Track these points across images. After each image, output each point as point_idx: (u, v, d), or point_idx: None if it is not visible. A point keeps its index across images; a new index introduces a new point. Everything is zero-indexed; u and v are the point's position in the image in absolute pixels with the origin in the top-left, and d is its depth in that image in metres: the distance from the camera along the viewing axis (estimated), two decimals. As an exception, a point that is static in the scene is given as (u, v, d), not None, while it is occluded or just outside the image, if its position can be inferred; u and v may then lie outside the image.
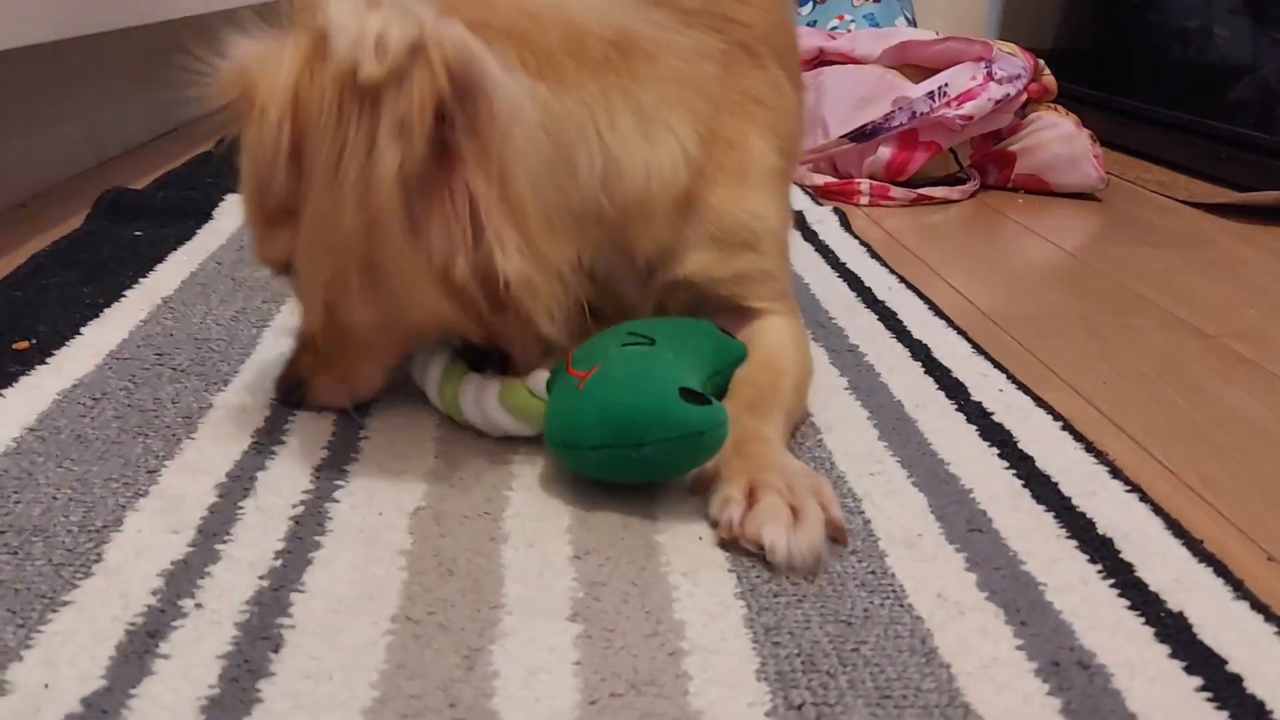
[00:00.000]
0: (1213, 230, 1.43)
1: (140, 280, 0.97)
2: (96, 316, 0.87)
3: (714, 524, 0.60)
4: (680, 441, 0.60)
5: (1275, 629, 0.54)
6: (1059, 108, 1.60)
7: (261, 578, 0.55)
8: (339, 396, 0.72)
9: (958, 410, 0.79)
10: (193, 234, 1.12)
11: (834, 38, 1.71)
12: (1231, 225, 1.45)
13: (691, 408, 0.60)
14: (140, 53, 1.57)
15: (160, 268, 1.00)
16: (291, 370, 0.73)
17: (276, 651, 0.49)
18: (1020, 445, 0.73)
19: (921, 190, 1.52)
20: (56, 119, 1.36)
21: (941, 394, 0.82)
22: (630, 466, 0.61)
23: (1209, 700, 0.49)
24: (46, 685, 0.46)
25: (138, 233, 1.10)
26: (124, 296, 0.92)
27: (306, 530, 0.59)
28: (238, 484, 0.64)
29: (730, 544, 0.59)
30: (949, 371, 0.86)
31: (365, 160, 0.56)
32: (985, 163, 1.61)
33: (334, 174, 0.57)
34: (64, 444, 0.67)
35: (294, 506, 0.61)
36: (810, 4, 2.19)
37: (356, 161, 0.56)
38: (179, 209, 1.18)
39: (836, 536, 0.59)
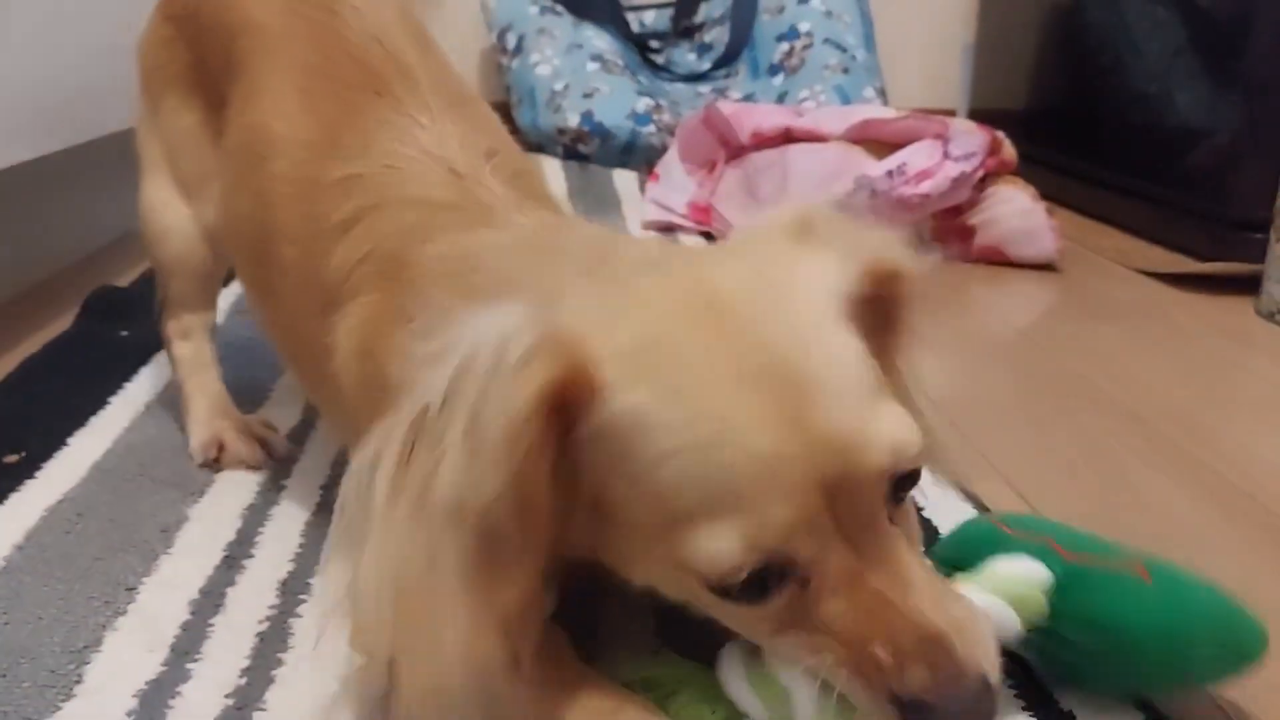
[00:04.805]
0: (1164, 302, 1.48)
1: (125, 385, 1.02)
2: (83, 425, 0.93)
3: None
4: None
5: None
6: (1017, 180, 1.66)
7: (228, 696, 0.60)
8: None
9: (891, 506, 0.84)
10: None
11: (800, 114, 1.78)
12: (1183, 296, 1.50)
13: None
14: (117, 151, 1.63)
15: (144, 371, 1.06)
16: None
17: (238, 772, 0.54)
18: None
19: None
20: (44, 217, 1.43)
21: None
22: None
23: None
24: (27, 811, 0.51)
25: (124, 333, 1.16)
26: (108, 404, 0.98)
27: (270, 647, 0.64)
28: (209, 600, 0.69)
29: None
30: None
31: None
32: (946, 236, 1.67)
33: None
34: (49, 562, 0.72)
35: (260, 623, 0.66)
36: (781, 75, 2.26)
37: None
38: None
39: None
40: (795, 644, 0.49)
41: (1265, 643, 0.57)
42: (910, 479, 0.49)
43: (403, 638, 0.49)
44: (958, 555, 0.63)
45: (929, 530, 0.80)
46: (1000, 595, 0.56)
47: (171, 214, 0.88)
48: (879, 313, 0.54)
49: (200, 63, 0.86)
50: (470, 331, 0.47)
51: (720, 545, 0.45)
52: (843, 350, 0.49)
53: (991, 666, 0.47)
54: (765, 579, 0.47)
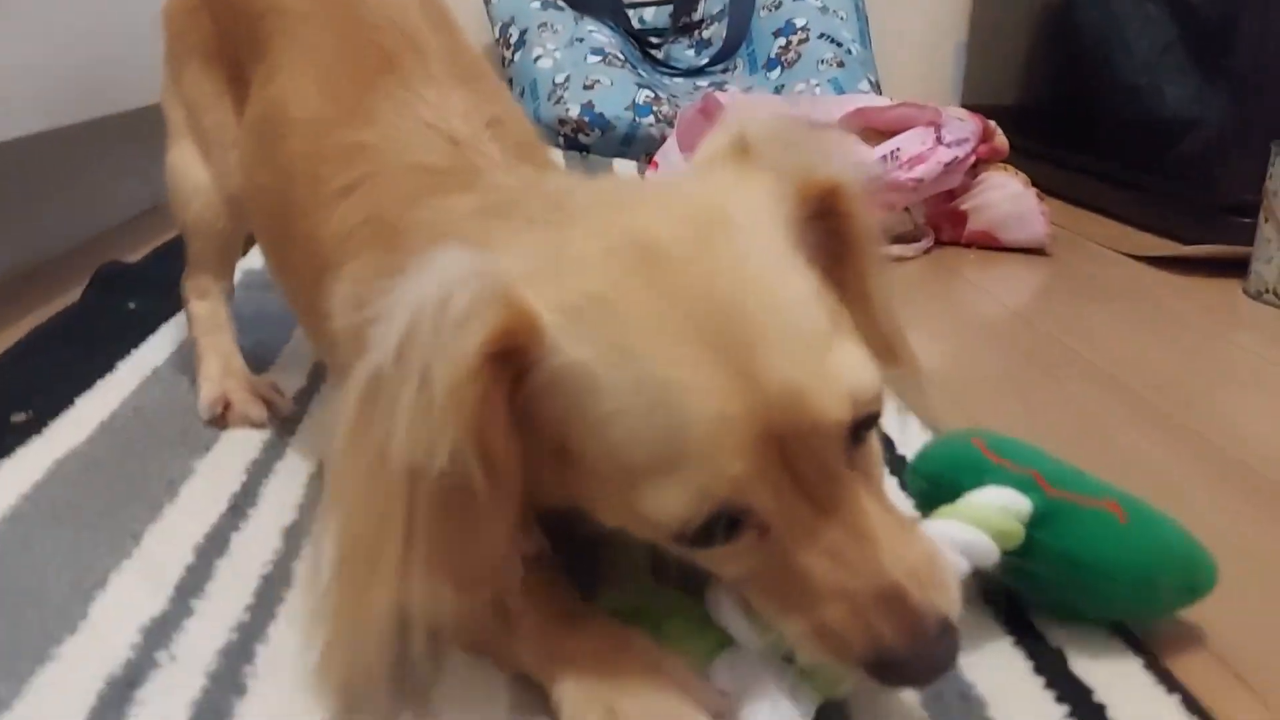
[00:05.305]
0: (1153, 284, 1.50)
1: (132, 352, 1.04)
2: (90, 388, 0.95)
3: None
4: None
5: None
6: (1008, 167, 1.69)
7: (231, 630, 0.61)
8: None
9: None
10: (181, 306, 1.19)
11: (795, 104, 1.80)
12: (1172, 278, 1.52)
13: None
14: (133, 130, 1.66)
15: (152, 340, 1.08)
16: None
17: (241, 697, 0.56)
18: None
19: (878, 249, 1.60)
20: (56, 193, 1.45)
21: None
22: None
23: None
24: (34, 731, 0.53)
25: (131, 305, 1.18)
26: (116, 369, 0.99)
27: (274, 588, 0.66)
28: (213, 545, 0.70)
29: None
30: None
31: None
32: (940, 221, 1.69)
33: None
34: (57, 512, 0.74)
35: (264, 565, 0.68)
36: (778, 69, 2.29)
37: None
38: (171, 281, 1.25)
39: None
40: (765, 601, 0.50)
41: (1216, 576, 0.61)
42: (869, 421, 0.48)
43: (338, 602, 0.50)
44: (939, 474, 0.65)
45: (899, 462, 0.81)
46: (979, 525, 0.58)
47: (194, 177, 0.91)
48: (832, 232, 0.53)
49: (224, 35, 0.88)
50: (415, 286, 0.46)
51: (670, 500, 0.46)
52: (789, 290, 0.48)
53: (951, 606, 0.48)
54: (724, 526, 0.47)
